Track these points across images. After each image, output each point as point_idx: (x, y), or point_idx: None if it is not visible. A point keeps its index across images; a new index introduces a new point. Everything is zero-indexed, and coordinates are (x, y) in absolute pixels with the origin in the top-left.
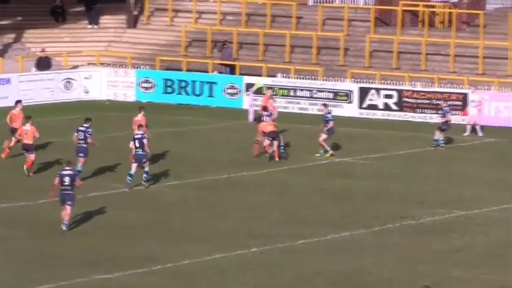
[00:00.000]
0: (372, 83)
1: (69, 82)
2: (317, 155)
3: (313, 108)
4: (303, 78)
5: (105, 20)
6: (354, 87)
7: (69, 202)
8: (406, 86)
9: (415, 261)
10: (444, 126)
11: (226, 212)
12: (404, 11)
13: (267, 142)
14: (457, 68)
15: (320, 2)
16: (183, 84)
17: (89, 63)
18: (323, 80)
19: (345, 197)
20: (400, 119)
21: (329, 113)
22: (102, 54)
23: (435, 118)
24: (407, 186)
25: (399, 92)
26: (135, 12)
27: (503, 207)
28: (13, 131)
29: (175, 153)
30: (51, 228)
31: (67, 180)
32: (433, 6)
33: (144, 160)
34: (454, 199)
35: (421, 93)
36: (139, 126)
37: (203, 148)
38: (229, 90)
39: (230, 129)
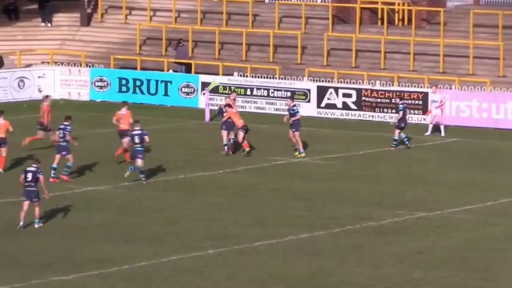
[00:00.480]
0: (330, 81)
1: (22, 81)
2: (297, 154)
3: (271, 108)
4: (259, 77)
5: (59, 18)
6: (311, 86)
7: (34, 199)
8: (365, 85)
9: (376, 264)
10: (402, 124)
11: (182, 213)
12: (362, 8)
13: (241, 135)
14: (417, 67)
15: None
16: (138, 83)
17: (42, 62)
18: (280, 78)
19: (303, 198)
20: (359, 118)
21: (294, 105)
22: (56, 52)
23: (395, 118)
24: (367, 187)
25: (358, 91)
26: (89, 10)
27: (464, 209)
28: None
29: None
30: (5, 228)
31: (29, 176)
32: (392, 4)
33: (140, 156)
34: (415, 200)
35: (381, 92)
36: (136, 122)
37: (158, 148)
38: (185, 89)
39: (186, 129)
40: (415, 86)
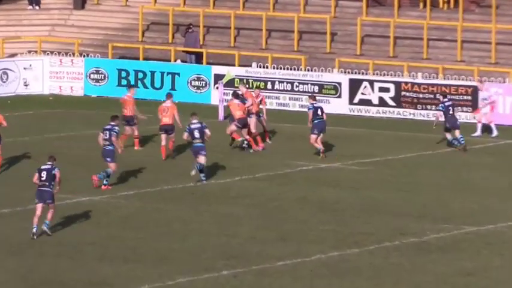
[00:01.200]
0: (364, 74)
1: (5, 73)
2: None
3: (295, 104)
4: (282, 69)
5: None
6: (343, 78)
7: (48, 201)
8: (405, 78)
9: (418, 286)
10: (449, 124)
11: (192, 227)
12: None
13: (233, 128)
14: (465, 57)
15: None
16: (140, 75)
17: (29, 51)
18: (306, 70)
19: (333, 210)
20: (398, 116)
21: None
22: (45, 40)
23: (435, 120)
24: (407, 197)
25: (397, 84)
26: None
27: None
28: None
29: (131, 158)
30: None
31: (44, 175)
32: None
33: (203, 152)
34: (463, 212)
35: (423, 86)
36: (193, 114)
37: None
38: (195, 83)
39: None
40: (462, 79)
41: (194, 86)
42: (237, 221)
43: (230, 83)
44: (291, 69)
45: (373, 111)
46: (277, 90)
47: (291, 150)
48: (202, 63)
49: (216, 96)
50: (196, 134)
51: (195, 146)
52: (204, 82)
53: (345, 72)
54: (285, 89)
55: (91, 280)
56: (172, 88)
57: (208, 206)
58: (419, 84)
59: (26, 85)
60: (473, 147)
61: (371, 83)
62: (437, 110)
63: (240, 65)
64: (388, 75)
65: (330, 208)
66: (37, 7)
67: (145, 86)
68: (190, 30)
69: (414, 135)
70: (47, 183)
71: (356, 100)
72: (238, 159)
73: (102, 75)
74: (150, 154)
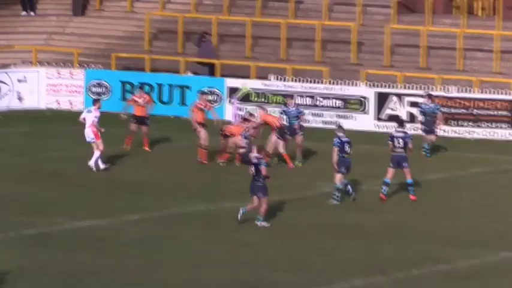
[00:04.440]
0: (393, 87)
1: None
2: (298, 163)
3: (317, 121)
4: (303, 81)
5: (45, 5)
6: (369, 92)
7: (259, 194)
8: (437, 91)
9: None
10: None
11: (204, 256)
12: None
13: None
14: (503, 68)
15: None
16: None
17: (23, 62)
18: (330, 83)
19: (357, 235)
20: None
21: (297, 107)
22: (41, 49)
23: (476, 133)
24: (438, 221)
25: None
26: None
27: None
28: None
29: (138, 180)
30: None
31: (253, 169)
32: None
33: (405, 165)
34: (498, 237)
35: (457, 100)
36: (402, 123)
37: (174, 171)
38: (207, 97)
39: (209, 147)
40: (501, 93)
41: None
42: (253, 249)
43: (246, 98)
44: (312, 82)
45: None
46: (297, 104)
47: (312, 171)
48: (215, 75)
49: (230, 111)
50: (400, 142)
51: (398, 156)
52: (217, 96)
53: (372, 85)
54: (306, 103)
55: None
56: (182, 103)
57: (222, 233)
58: (453, 99)
59: (20, 99)
60: (511, 167)
61: (400, 96)
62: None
63: (256, 77)
64: (419, 88)
65: (354, 234)
66: (32, 13)
67: (152, 101)
68: (205, 39)
69: (447, 154)
70: (257, 178)
71: (383, 116)
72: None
73: (105, 88)
74: (154, 173)
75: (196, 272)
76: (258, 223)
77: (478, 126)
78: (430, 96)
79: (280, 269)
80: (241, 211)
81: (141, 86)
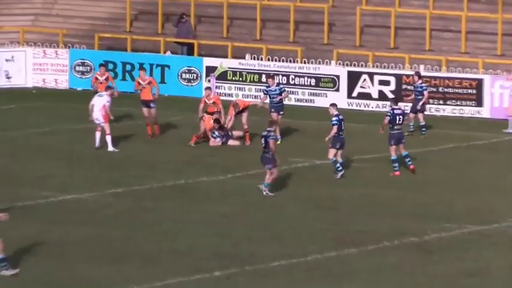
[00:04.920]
0: (363, 66)
1: None
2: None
3: (291, 98)
4: (277, 61)
5: None
6: (341, 71)
7: (268, 165)
8: (406, 70)
9: None
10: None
11: (182, 227)
12: None
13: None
14: (470, 48)
15: None
16: (128, 67)
17: (11, 42)
18: (303, 62)
19: (330, 208)
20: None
21: (278, 85)
22: (28, 30)
23: (444, 110)
24: (408, 195)
25: (397, 77)
26: None
27: None
28: None
29: (120, 154)
30: None
31: (262, 141)
32: None
33: (404, 140)
34: (466, 211)
35: (425, 79)
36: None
37: (154, 147)
38: (186, 75)
39: (187, 124)
40: (467, 72)
41: (185, 79)
42: (229, 220)
43: (223, 76)
44: (286, 61)
45: (372, 106)
46: (278, 83)
47: (286, 146)
48: (193, 55)
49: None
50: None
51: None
52: (195, 75)
53: (343, 64)
54: (281, 82)
55: (77, 281)
56: (162, 81)
57: (200, 205)
58: (421, 77)
59: (8, 78)
60: (477, 143)
61: (371, 75)
62: (424, 90)
63: (233, 57)
64: (388, 67)
65: (327, 206)
66: None
67: (133, 79)
68: (183, 20)
69: (416, 131)
70: (267, 150)
71: (355, 94)
72: (230, 155)
73: (88, 68)
74: (139, 149)
75: (175, 242)
76: (263, 190)
77: (446, 104)
78: (419, 75)
79: (256, 240)
80: (262, 187)
81: (104, 64)
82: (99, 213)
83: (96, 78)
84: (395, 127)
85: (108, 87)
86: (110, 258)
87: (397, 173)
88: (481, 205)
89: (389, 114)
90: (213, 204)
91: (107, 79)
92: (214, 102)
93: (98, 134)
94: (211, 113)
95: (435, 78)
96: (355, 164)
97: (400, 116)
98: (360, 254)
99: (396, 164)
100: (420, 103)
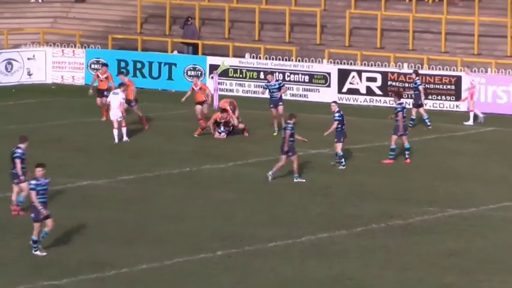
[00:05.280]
0: (352, 64)
1: (10, 63)
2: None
3: (286, 93)
4: (274, 59)
5: None
6: (332, 69)
7: (290, 153)
8: (391, 68)
9: (403, 266)
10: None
11: (188, 211)
12: None
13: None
14: (449, 48)
15: None
16: (139, 65)
17: (32, 42)
18: (297, 61)
19: (322, 194)
20: (385, 105)
21: (277, 81)
22: (48, 31)
23: (426, 105)
24: (393, 182)
25: (384, 74)
26: None
27: (501, 206)
28: None
29: (130, 144)
30: None
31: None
32: None
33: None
34: (447, 196)
35: (409, 76)
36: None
37: (161, 138)
38: (191, 73)
39: (192, 117)
40: (446, 69)
41: (190, 76)
42: (231, 205)
43: (224, 73)
44: (282, 59)
45: (360, 100)
46: (277, 79)
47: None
48: (198, 54)
49: (211, 85)
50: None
51: None
52: (199, 72)
53: (334, 62)
54: (277, 79)
55: (93, 260)
56: (170, 78)
57: (204, 190)
58: (405, 74)
59: (30, 75)
60: (457, 134)
61: (359, 73)
62: (418, 86)
63: (234, 56)
64: (375, 65)
65: (320, 192)
66: (40, 0)
67: (143, 76)
68: (189, 23)
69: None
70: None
71: (345, 89)
72: (231, 146)
73: (102, 65)
74: (148, 141)
75: (181, 224)
76: (295, 180)
77: (428, 98)
78: (416, 73)
79: (256, 223)
80: (270, 175)
81: (107, 64)
82: (112, 198)
83: (98, 76)
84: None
85: (121, 84)
86: (123, 239)
87: (391, 161)
88: (461, 191)
89: (399, 108)
90: (216, 190)
91: (107, 78)
92: (201, 88)
93: (115, 132)
94: (201, 102)
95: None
96: (345, 154)
97: (405, 109)
98: (350, 235)
99: (393, 153)
100: (422, 98)
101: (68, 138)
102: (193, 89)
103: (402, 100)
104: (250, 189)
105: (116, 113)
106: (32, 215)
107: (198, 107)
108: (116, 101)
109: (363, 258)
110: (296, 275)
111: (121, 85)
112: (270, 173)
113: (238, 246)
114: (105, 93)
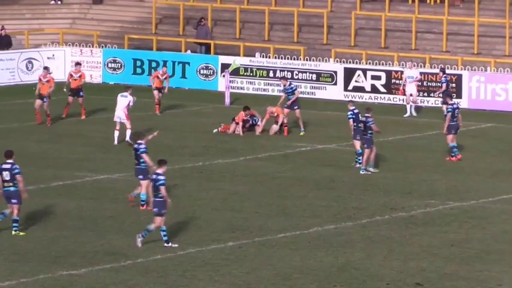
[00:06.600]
0: (358, 63)
1: (30, 62)
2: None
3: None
4: (283, 58)
5: None
6: (338, 67)
7: (371, 146)
8: (395, 67)
9: (406, 257)
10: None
11: (200, 203)
12: None
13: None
14: (450, 48)
15: None
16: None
17: (52, 42)
18: (305, 60)
19: (329, 187)
20: (389, 102)
21: (290, 85)
22: (66, 32)
23: (428, 102)
24: (397, 176)
25: (388, 73)
26: None
27: (500, 198)
28: None
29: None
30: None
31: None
32: None
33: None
34: (448, 190)
35: (438, 76)
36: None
37: (175, 133)
38: (204, 71)
39: (204, 113)
40: (448, 68)
41: (203, 74)
42: (241, 198)
43: (235, 72)
44: (291, 59)
45: (366, 97)
46: (278, 78)
47: (290, 133)
48: (210, 54)
49: (223, 83)
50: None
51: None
52: (211, 70)
53: (340, 61)
54: (286, 76)
55: (109, 251)
56: (183, 76)
57: (215, 184)
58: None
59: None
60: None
61: (364, 71)
62: (442, 83)
63: (244, 55)
64: (379, 64)
65: (327, 186)
66: (59, 1)
67: None
68: (201, 23)
69: (404, 119)
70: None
71: (350, 87)
72: (242, 141)
73: (119, 64)
74: (161, 136)
75: (193, 217)
76: (370, 169)
77: (430, 96)
78: (443, 71)
79: (264, 215)
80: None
81: (80, 62)
82: (128, 191)
83: (71, 75)
84: (454, 119)
85: (127, 87)
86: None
87: (459, 156)
88: (461, 184)
89: (450, 109)
90: (226, 183)
91: (80, 76)
92: (166, 78)
93: (116, 133)
94: (159, 89)
95: (420, 73)
96: (351, 149)
97: (457, 110)
98: (355, 226)
99: (455, 149)
100: (441, 95)
101: (86, 134)
102: (157, 77)
103: (453, 101)
104: (260, 182)
105: (119, 115)
106: (156, 209)
107: None
108: (122, 103)
109: (368, 248)
110: (304, 264)
111: (127, 88)
112: (363, 167)
113: (248, 237)
114: (81, 93)
